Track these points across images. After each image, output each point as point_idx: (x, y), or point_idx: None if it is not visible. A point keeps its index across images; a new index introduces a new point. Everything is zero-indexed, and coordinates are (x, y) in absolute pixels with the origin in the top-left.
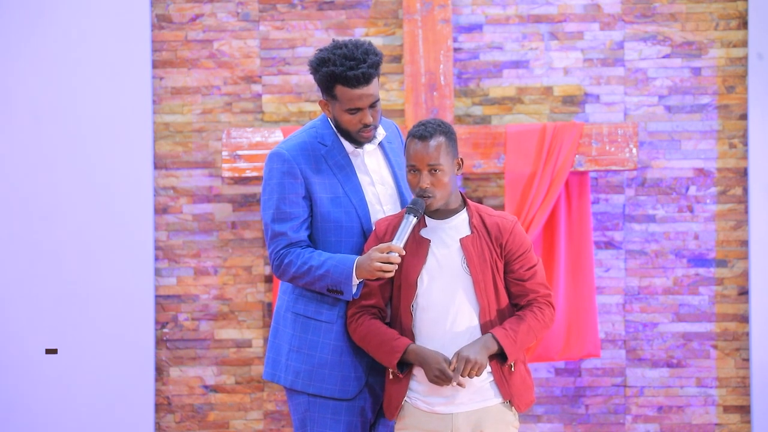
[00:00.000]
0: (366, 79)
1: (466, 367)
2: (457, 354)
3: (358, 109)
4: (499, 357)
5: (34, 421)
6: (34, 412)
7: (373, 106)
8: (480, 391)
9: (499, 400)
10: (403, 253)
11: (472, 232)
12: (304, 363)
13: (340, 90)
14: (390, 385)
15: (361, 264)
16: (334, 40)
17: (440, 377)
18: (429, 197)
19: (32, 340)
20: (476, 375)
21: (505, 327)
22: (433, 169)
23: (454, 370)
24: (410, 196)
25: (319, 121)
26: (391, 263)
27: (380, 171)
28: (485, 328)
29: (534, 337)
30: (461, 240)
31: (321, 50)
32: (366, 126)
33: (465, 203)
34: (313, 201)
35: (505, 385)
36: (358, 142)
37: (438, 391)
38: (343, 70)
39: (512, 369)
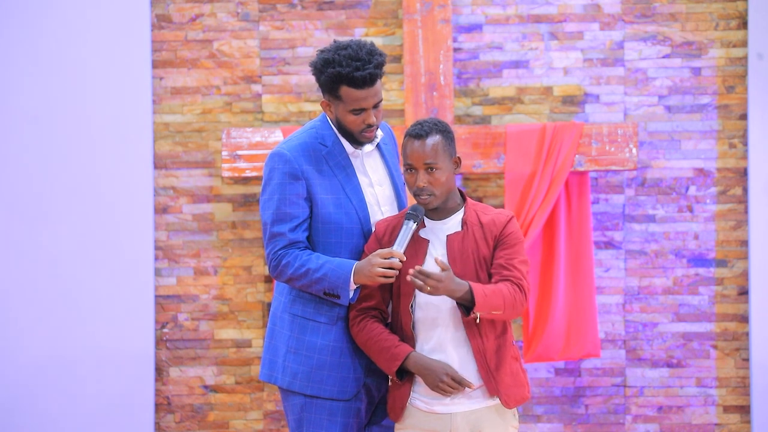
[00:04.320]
0: (371, 80)
1: (430, 277)
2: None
3: (363, 110)
4: (466, 310)
5: (35, 420)
6: (34, 411)
7: (376, 106)
8: (477, 392)
9: (494, 400)
10: (404, 258)
11: (462, 228)
12: (302, 364)
13: (345, 91)
14: (394, 388)
15: (360, 269)
16: (335, 41)
17: (447, 383)
18: (426, 196)
19: (32, 340)
20: (426, 289)
21: (480, 283)
22: (429, 168)
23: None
24: (407, 198)
25: (319, 121)
26: (393, 269)
27: (379, 172)
28: (468, 324)
29: (502, 303)
30: (448, 236)
31: (324, 51)
32: (369, 126)
33: (464, 202)
34: (314, 202)
35: (491, 381)
36: (359, 142)
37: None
38: (350, 71)
39: (477, 321)
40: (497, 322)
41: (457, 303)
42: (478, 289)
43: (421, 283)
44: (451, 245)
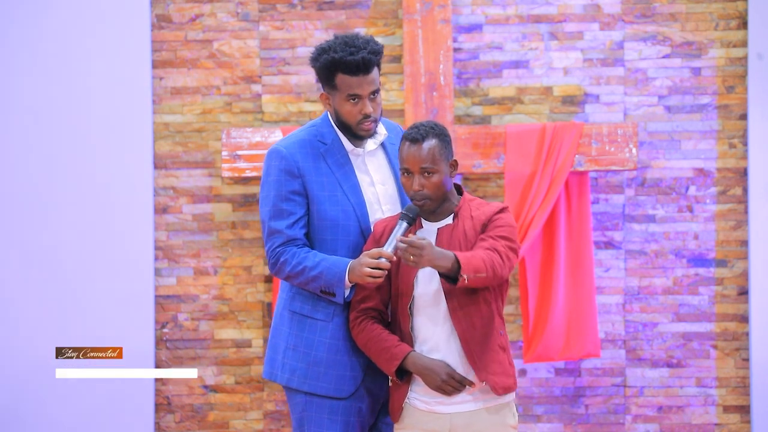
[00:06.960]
0: (365, 66)
1: (413, 245)
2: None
3: (359, 98)
4: (452, 280)
5: (35, 420)
6: (34, 411)
7: (373, 97)
8: (476, 392)
9: (494, 400)
10: (393, 259)
11: (453, 220)
12: (300, 361)
13: (341, 78)
14: (393, 388)
15: (353, 268)
16: (334, 35)
17: (448, 382)
18: (423, 199)
19: (33, 340)
20: (408, 257)
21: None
22: (426, 172)
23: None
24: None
25: (320, 120)
26: (381, 269)
27: (381, 171)
28: (453, 308)
29: (483, 265)
30: (438, 228)
31: (321, 43)
32: (366, 117)
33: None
34: (310, 199)
35: (476, 365)
36: (358, 137)
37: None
38: (343, 56)
39: (466, 282)
40: (483, 307)
41: (440, 275)
42: (461, 253)
43: (403, 248)
44: (440, 236)
